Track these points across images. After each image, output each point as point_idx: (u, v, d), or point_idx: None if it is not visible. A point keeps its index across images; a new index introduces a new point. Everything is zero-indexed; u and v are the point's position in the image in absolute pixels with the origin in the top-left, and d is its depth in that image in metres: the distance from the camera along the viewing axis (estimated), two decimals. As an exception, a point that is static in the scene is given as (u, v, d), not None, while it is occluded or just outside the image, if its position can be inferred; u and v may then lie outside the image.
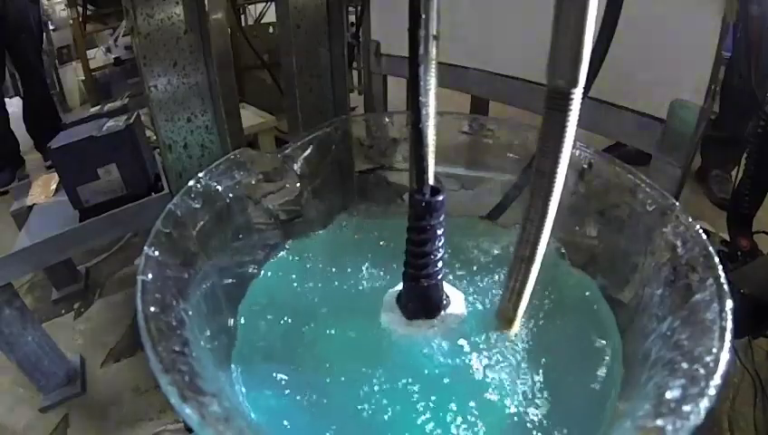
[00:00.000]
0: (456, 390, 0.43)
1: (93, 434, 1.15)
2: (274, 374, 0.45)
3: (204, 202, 0.47)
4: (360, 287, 0.55)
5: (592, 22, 0.30)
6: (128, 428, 1.14)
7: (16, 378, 1.20)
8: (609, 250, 0.52)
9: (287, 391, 0.44)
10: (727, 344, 0.31)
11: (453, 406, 0.41)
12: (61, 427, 1.17)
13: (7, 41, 2.30)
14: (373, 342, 0.46)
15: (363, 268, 0.57)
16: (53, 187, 1.34)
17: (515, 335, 0.46)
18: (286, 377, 0.45)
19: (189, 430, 1.05)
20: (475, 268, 0.56)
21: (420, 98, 0.36)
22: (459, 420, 0.41)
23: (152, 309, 0.34)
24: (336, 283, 0.56)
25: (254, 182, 0.54)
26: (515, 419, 0.41)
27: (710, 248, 0.38)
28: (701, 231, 0.40)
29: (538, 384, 0.44)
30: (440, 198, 0.39)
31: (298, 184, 0.58)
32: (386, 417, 0.41)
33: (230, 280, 0.51)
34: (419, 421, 0.40)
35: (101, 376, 1.29)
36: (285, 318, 0.51)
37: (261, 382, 0.44)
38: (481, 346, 0.46)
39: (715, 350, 0.31)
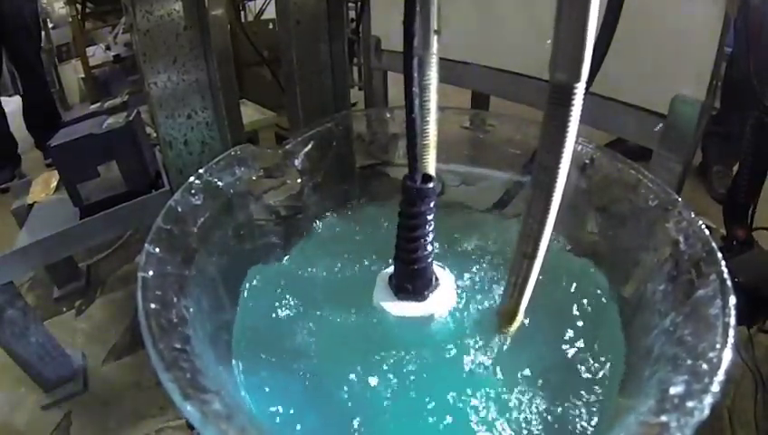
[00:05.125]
0: (443, 367, 0.44)
1: (95, 431, 1.15)
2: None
3: (204, 198, 0.47)
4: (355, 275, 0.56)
5: (595, 16, 0.30)
6: (130, 425, 1.14)
7: (18, 376, 1.20)
8: (610, 246, 0.52)
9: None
10: (731, 340, 0.31)
11: (438, 383, 0.43)
12: (63, 425, 1.17)
13: (3, 39, 2.30)
14: (365, 320, 0.47)
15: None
16: (54, 185, 1.34)
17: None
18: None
19: (191, 427, 1.05)
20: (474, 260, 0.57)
21: (413, 88, 0.36)
22: (443, 396, 0.42)
23: (153, 306, 0.34)
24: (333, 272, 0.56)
25: (254, 178, 0.54)
26: (502, 395, 0.42)
27: (713, 244, 0.38)
28: (703, 226, 0.40)
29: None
30: (431, 185, 0.41)
31: (299, 180, 0.58)
32: (369, 391, 0.42)
33: (231, 276, 0.51)
34: (403, 397, 0.42)
35: (103, 374, 1.30)
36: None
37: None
38: (467, 325, 0.47)
39: (718, 346, 0.30)
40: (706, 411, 0.27)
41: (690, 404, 0.28)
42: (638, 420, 0.30)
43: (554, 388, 0.43)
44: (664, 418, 0.28)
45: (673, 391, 0.30)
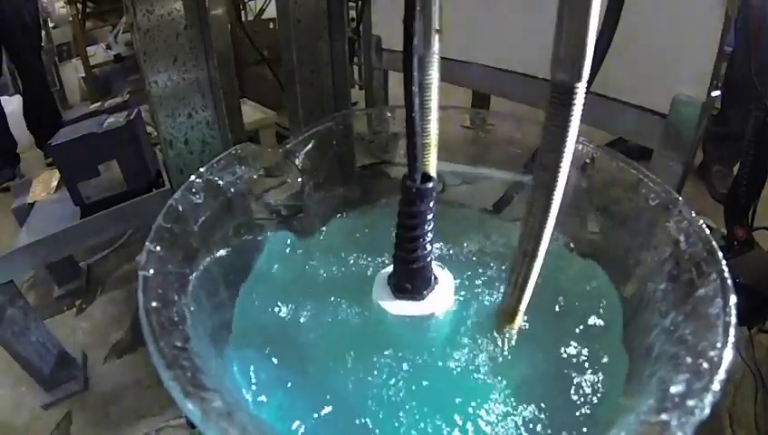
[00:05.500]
0: (441, 367, 0.44)
1: (96, 430, 1.15)
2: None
3: (205, 197, 0.47)
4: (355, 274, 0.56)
5: (596, 15, 0.30)
6: (130, 424, 1.14)
7: (19, 375, 1.20)
8: (611, 245, 0.52)
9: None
10: (731, 339, 0.31)
11: (435, 382, 0.43)
12: (63, 424, 1.17)
13: (3, 39, 2.30)
14: (362, 319, 0.48)
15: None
16: (54, 184, 1.34)
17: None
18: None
19: (192, 425, 1.05)
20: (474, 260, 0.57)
21: (413, 87, 0.36)
22: (440, 396, 0.42)
23: (154, 304, 0.34)
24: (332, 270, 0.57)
25: (255, 177, 0.54)
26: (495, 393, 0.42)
27: (713, 243, 0.38)
28: (704, 226, 0.40)
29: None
30: (430, 184, 0.41)
31: (299, 179, 0.58)
32: (362, 388, 0.42)
33: (231, 275, 0.51)
34: (398, 394, 0.42)
35: (104, 373, 1.30)
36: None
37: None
38: (466, 325, 0.47)
39: (719, 344, 0.30)
40: (707, 410, 0.27)
41: (691, 403, 0.28)
42: (638, 419, 0.30)
43: (551, 392, 0.43)
44: (664, 417, 0.28)
45: (674, 389, 0.30)
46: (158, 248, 0.39)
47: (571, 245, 0.56)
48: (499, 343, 0.46)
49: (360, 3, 1.69)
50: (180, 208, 0.44)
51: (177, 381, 0.29)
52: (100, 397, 1.23)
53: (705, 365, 0.30)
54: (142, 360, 1.30)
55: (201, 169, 0.48)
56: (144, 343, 0.31)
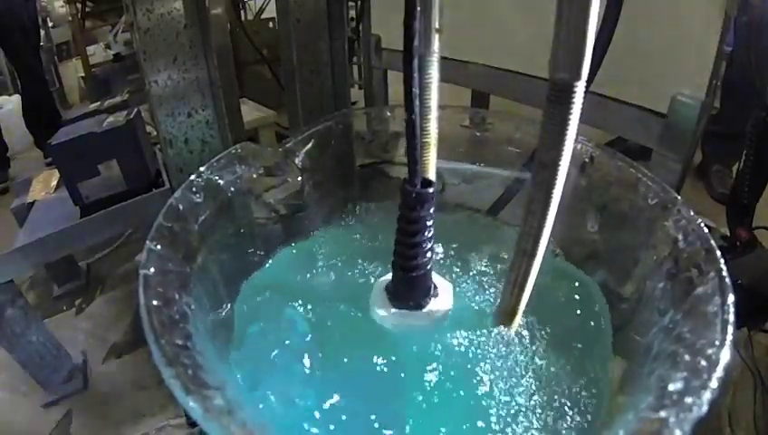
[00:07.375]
0: (440, 376, 0.43)
1: (96, 430, 1.15)
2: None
3: (205, 196, 0.47)
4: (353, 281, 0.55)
5: (595, 14, 0.30)
6: (130, 423, 1.14)
7: (18, 375, 1.20)
8: (610, 244, 0.52)
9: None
10: (729, 337, 0.31)
11: (432, 390, 0.42)
12: (63, 423, 1.17)
13: (1, 40, 2.30)
14: (361, 327, 0.47)
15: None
16: (54, 183, 1.34)
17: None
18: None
19: (191, 424, 1.05)
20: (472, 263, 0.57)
21: (413, 89, 0.36)
22: (439, 404, 0.41)
23: (155, 303, 0.34)
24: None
25: (255, 176, 0.54)
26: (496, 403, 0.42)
27: (712, 242, 0.38)
28: (702, 225, 0.40)
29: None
30: (431, 189, 0.40)
31: (299, 178, 0.58)
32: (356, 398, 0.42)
33: (231, 274, 0.51)
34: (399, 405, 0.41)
35: (103, 372, 1.30)
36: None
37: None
38: (465, 334, 0.46)
39: (717, 342, 0.31)
40: (705, 407, 0.27)
41: (689, 400, 0.28)
42: (637, 416, 0.31)
43: (548, 398, 0.43)
44: (663, 414, 0.28)
45: (672, 387, 0.30)
46: (159, 247, 0.39)
47: (557, 252, 0.56)
48: (496, 354, 0.45)
49: (359, 2, 1.69)
50: (180, 208, 0.44)
51: (179, 378, 0.29)
52: (99, 396, 1.23)
53: (704, 363, 0.30)
54: (142, 359, 1.30)
55: (201, 169, 0.49)
56: (144, 342, 0.31)
